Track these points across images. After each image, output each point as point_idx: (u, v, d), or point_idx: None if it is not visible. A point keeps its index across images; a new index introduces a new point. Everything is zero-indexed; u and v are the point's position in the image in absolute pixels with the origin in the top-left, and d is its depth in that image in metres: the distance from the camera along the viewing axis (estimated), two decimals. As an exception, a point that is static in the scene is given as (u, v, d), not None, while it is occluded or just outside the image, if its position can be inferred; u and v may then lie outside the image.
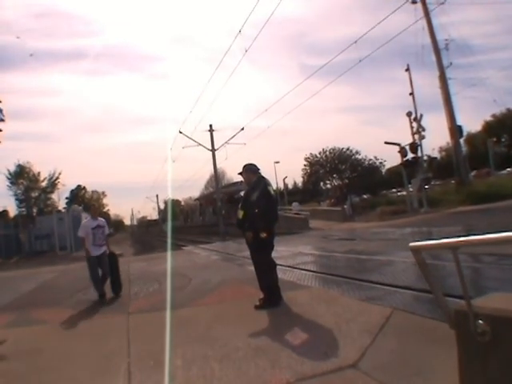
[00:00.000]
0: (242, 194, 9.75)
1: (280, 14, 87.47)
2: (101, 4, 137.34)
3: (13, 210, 57.30)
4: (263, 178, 6.23)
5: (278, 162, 63.23)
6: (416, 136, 27.01)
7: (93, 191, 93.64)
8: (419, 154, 27.13)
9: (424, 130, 26.88)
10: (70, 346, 5.05)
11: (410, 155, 27.11)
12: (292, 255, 11.65)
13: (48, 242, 40.60)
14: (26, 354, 4.79)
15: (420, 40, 38.12)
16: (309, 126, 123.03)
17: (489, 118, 65.85)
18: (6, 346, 5.22)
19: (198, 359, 3.99)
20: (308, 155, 52.25)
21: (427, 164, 28.69)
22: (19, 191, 57.50)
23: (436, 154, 58.23)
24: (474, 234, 1.78)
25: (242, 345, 4.25)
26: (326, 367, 3.51)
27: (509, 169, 48.17)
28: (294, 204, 39.77)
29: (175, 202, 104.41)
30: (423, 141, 27.09)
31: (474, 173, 40.82)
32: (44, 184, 59.99)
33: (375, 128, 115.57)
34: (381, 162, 49.53)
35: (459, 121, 27.24)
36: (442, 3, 20.48)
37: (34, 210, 58.21)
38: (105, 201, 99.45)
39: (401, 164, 28.22)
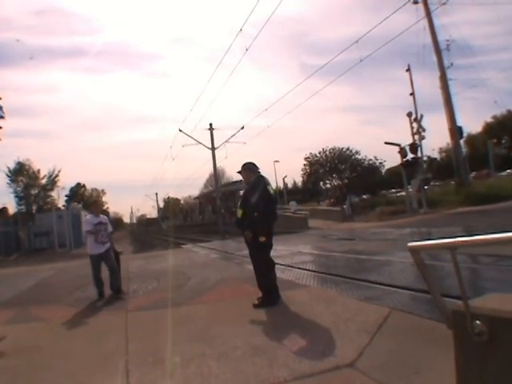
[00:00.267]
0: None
1: (281, 13, 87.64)
2: (101, 2, 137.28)
3: (12, 208, 57.25)
4: (262, 177, 6.24)
5: (277, 162, 63.36)
6: (416, 136, 27.04)
7: (92, 189, 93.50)
8: (419, 154, 27.17)
9: (424, 130, 26.92)
10: (68, 343, 5.07)
11: (410, 156, 27.14)
12: (291, 254, 11.66)
13: (47, 240, 40.62)
14: (25, 351, 4.80)
15: (421, 40, 38.14)
16: (309, 125, 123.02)
17: (489, 120, 65.93)
18: (4, 343, 5.23)
19: (195, 357, 3.99)
20: (308, 155, 52.20)
21: (427, 164, 28.74)
22: (19, 188, 57.44)
23: (436, 155, 58.37)
24: (473, 235, 1.79)
25: (240, 343, 4.26)
26: (324, 366, 3.52)
27: (509, 170, 48.17)
28: (292, 203, 39.71)
29: (175, 201, 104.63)
30: (423, 141, 27.16)
31: (473, 174, 40.80)
32: (44, 181, 59.96)
33: (375, 128, 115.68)
34: (381, 162, 49.46)
35: (459, 122, 27.28)
36: (444, 3, 20.44)
37: (34, 208, 58.12)
38: (104, 199, 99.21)
39: (400, 164, 28.24)
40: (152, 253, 21.19)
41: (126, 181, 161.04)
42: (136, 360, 4.12)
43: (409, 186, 28.38)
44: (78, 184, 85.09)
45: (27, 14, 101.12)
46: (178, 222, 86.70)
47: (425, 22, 26.31)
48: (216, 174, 37.87)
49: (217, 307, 6.14)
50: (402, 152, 27.28)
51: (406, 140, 27.59)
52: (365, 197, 47.32)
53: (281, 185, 64.62)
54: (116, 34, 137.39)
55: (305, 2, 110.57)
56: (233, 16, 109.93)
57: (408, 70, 28.64)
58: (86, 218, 8.17)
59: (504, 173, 47.19)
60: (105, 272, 7.88)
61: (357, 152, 48.90)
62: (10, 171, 56.57)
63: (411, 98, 28.08)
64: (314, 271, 8.63)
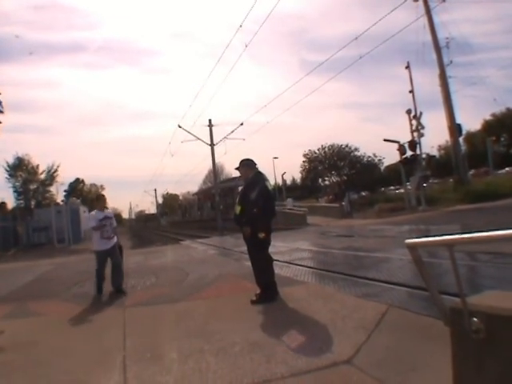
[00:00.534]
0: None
1: (281, 9, 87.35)
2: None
3: (11, 203, 57.26)
4: (260, 173, 6.24)
5: (276, 158, 63.35)
6: (415, 134, 26.98)
7: (91, 184, 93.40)
8: (418, 151, 27.12)
9: (423, 127, 26.86)
10: (66, 338, 5.07)
11: (409, 153, 27.10)
12: (289, 251, 11.67)
13: (46, 235, 40.60)
14: (23, 346, 4.80)
15: (421, 38, 38.02)
16: (308, 122, 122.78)
17: (488, 117, 65.98)
18: (2, 338, 5.22)
19: (194, 353, 4.00)
20: (307, 151, 52.35)
21: (426, 162, 28.68)
22: (18, 183, 57.35)
23: (435, 153, 58.32)
24: (471, 232, 1.79)
25: (238, 339, 4.26)
26: (321, 363, 3.52)
27: (507, 168, 48.23)
28: (289, 200, 39.72)
29: (173, 197, 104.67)
30: (422, 139, 27.08)
31: (472, 172, 40.85)
32: (42, 177, 59.87)
33: (374, 125, 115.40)
34: (379, 160, 49.73)
35: (459, 119, 27.31)
36: (444, 1, 20.45)
37: (33, 203, 58.07)
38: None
39: (399, 161, 28.22)
40: (150, 248, 21.21)
41: (125, 176, 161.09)
42: (134, 356, 4.12)
43: (408, 184, 28.38)
44: (77, 179, 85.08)
45: (26, 9, 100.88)
46: (177, 218, 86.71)
47: (424, 20, 26.27)
48: (215, 170, 37.87)
49: (215, 303, 6.14)
50: (401, 149, 27.26)
51: (405, 137, 27.57)
52: (363, 194, 47.38)
53: (280, 181, 64.59)
54: (115, 30, 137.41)
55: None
56: (233, 12, 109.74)
57: (407, 67, 28.57)
58: (91, 213, 7.99)
59: (503, 171, 47.27)
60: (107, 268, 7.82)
61: (356, 149, 49.14)
62: (8, 166, 56.51)
63: (410, 95, 28.02)
64: (312, 268, 8.64)
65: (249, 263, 6.44)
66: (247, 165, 6.29)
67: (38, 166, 59.22)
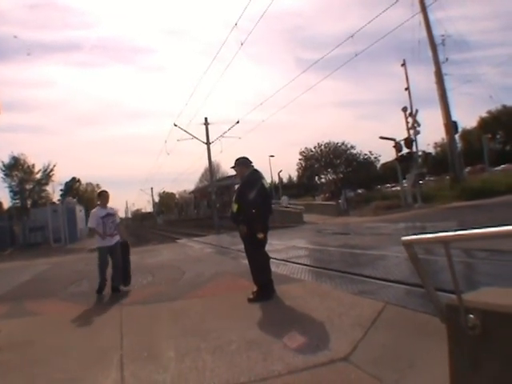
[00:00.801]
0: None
1: (276, 7, 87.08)
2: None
3: (7, 202, 57.29)
4: (257, 171, 6.24)
5: (272, 156, 63.31)
6: (411, 131, 27.07)
7: (87, 183, 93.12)
8: (414, 149, 27.22)
9: (419, 125, 26.96)
10: (62, 337, 5.05)
11: (405, 150, 27.21)
12: (286, 249, 11.68)
13: (42, 234, 40.46)
14: (19, 345, 4.79)
15: (416, 35, 38.07)
16: (304, 120, 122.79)
17: (484, 115, 66.09)
18: (-1, 337, 5.21)
19: (190, 351, 4.00)
20: (303, 149, 52.35)
21: (422, 159, 28.78)
22: (13, 183, 57.33)
23: (431, 150, 58.32)
24: (467, 229, 1.79)
25: (235, 337, 4.26)
26: (318, 360, 3.53)
27: (503, 165, 48.36)
28: (283, 198, 39.72)
29: (170, 195, 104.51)
30: (418, 136, 27.21)
31: (468, 169, 41.01)
32: (38, 176, 59.80)
33: (371, 123, 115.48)
34: (376, 157, 49.76)
35: (454, 117, 27.44)
36: (439, -2, 20.42)
37: (29, 202, 58.02)
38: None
39: (396, 159, 28.30)
40: (147, 247, 21.14)
41: (121, 175, 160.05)
42: (131, 354, 4.11)
43: (404, 181, 28.47)
44: (73, 178, 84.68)
45: (21, 8, 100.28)
46: (173, 216, 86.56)
47: (420, 17, 26.39)
48: (211, 169, 37.87)
49: (212, 301, 6.14)
50: (397, 147, 27.33)
51: (402, 135, 27.68)
52: (360, 191, 47.40)
53: (276, 179, 64.62)
54: (110, 28, 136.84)
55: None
56: (229, 9, 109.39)
57: (403, 64, 28.63)
58: (93, 210, 7.88)
59: (498, 168, 47.39)
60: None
61: (352, 147, 49.14)
62: (4, 166, 56.49)
63: (406, 92, 28.12)
64: (308, 265, 8.65)
65: (245, 261, 6.44)
66: (243, 163, 6.28)
67: (33, 165, 59.23)
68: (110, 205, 7.99)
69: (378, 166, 55.73)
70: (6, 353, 4.56)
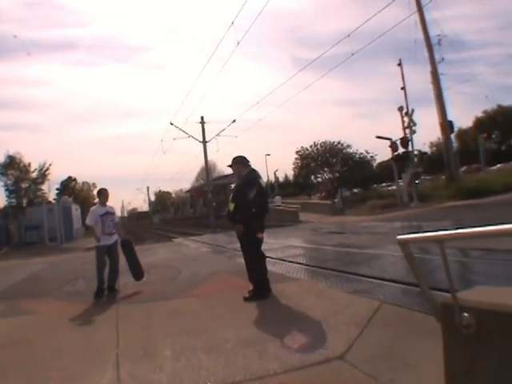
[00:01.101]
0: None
1: (273, 6, 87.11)
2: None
3: (2, 201, 56.92)
4: (254, 170, 6.24)
5: (269, 155, 63.36)
6: (407, 130, 27.12)
7: (83, 182, 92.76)
8: (410, 148, 27.28)
9: (415, 124, 27.01)
10: (58, 336, 5.04)
11: (401, 150, 27.28)
12: (282, 248, 11.69)
13: (38, 233, 40.29)
14: (15, 344, 4.77)
15: (413, 35, 38.19)
16: (300, 119, 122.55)
17: (480, 114, 66.20)
18: (-7, 336, 5.19)
19: (186, 350, 4.00)
20: (299, 148, 52.38)
21: (418, 159, 28.81)
22: (9, 182, 57.00)
23: (427, 149, 58.40)
24: (462, 228, 1.80)
25: (231, 336, 4.26)
26: (314, 359, 3.53)
27: (499, 165, 48.52)
28: (277, 198, 39.82)
29: (166, 194, 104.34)
30: (414, 135, 27.26)
31: (464, 168, 41.13)
32: (34, 175, 59.50)
33: (367, 122, 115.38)
34: (372, 156, 49.86)
35: (450, 116, 27.49)
36: (435, -2, 20.47)
37: (24, 201, 57.75)
38: (95, 192, 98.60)
39: (392, 158, 28.38)
40: (143, 246, 21.10)
41: (117, 174, 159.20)
42: (127, 353, 4.11)
43: (400, 180, 28.54)
44: (69, 177, 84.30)
45: (18, 6, 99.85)
46: (169, 215, 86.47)
47: (416, 17, 26.39)
48: (207, 168, 37.87)
49: (208, 300, 6.14)
50: (393, 146, 27.41)
51: (398, 134, 27.74)
52: (356, 190, 47.48)
53: (272, 178, 64.65)
54: (106, 27, 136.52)
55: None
56: (227, 7, 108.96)
57: (400, 64, 28.69)
58: (92, 208, 7.80)
59: (494, 167, 47.55)
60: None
61: (348, 146, 49.21)
62: (0, 164, 56.11)
63: (402, 92, 28.19)
64: (304, 264, 8.67)
65: (241, 260, 6.45)
66: (240, 162, 6.28)
67: (29, 164, 58.88)
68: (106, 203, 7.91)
69: (374, 165, 55.89)
70: (2, 351, 4.54)
